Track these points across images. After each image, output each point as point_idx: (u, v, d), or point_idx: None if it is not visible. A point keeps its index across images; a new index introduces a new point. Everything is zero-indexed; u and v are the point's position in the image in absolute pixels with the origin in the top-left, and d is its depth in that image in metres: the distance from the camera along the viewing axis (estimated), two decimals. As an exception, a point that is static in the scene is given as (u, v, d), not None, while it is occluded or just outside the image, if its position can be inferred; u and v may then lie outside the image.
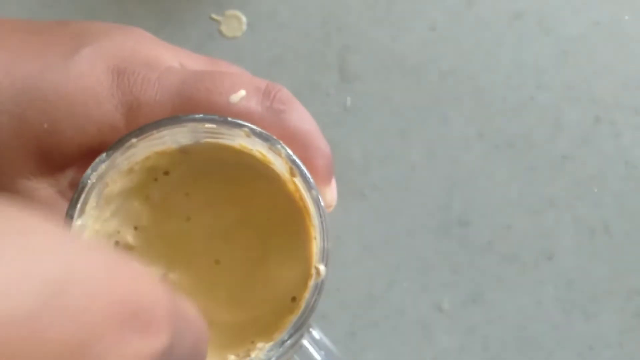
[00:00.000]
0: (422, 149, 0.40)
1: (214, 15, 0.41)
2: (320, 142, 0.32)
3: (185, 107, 0.30)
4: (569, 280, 0.39)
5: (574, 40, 0.41)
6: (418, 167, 0.40)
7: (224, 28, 0.41)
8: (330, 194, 0.33)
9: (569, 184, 0.40)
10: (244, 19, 0.41)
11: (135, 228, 0.32)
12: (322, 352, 0.32)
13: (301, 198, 0.31)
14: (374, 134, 0.40)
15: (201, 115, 0.29)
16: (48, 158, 0.30)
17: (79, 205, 0.29)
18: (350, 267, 0.39)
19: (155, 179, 0.32)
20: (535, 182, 0.40)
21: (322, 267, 0.30)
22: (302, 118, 0.31)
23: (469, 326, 0.39)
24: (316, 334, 0.32)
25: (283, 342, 0.30)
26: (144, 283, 0.19)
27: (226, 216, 0.32)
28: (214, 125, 0.30)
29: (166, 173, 0.32)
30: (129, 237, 0.32)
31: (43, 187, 0.30)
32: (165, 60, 0.32)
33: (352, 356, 0.39)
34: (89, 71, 0.30)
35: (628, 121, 0.40)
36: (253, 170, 0.32)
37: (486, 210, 0.40)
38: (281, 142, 0.30)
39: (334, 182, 0.33)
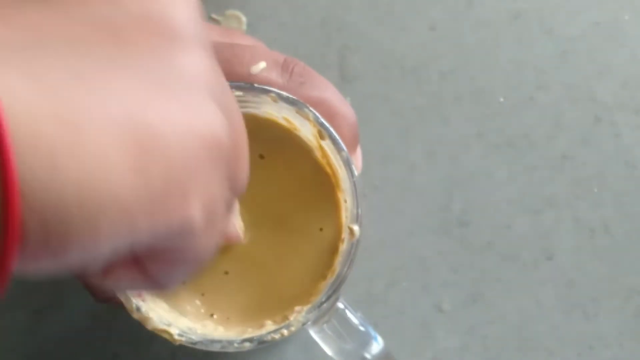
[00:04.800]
0: (422, 149, 0.40)
1: (214, 15, 0.41)
2: (344, 110, 0.32)
3: None
4: (569, 280, 0.39)
5: (574, 40, 0.41)
6: (418, 167, 0.40)
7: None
8: (356, 161, 0.33)
9: (569, 184, 0.40)
10: (244, 19, 0.41)
11: None
12: (359, 314, 0.32)
13: (329, 164, 0.31)
14: (374, 134, 0.40)
15: (228, 83, 0.30)
16: None
17: None
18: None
19: None
20: (535, 182, 0.40)
21: (355, 228, 0.30)
22: (322, 87, 0.31)
23: (469, 326, 0.39)
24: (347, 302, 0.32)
25: (321, 304, 0.30)
26: (214, 118, 0.21)
27: (253, 187, 0.33)
28: (240, 93, 0.30)
29: None
30: None
31: None
32: None
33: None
34: None
35: (628, 121, 0.40)
36: (279, 139, 0.32)
37: (486, 210, 0.40)
38: (308, 105, 0.30)
39: (359, 150, 0.33)
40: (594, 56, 0.41)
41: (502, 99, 0.40)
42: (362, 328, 0.32)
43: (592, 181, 0.40)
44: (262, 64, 0.31)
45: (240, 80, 0.30)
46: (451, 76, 0.40)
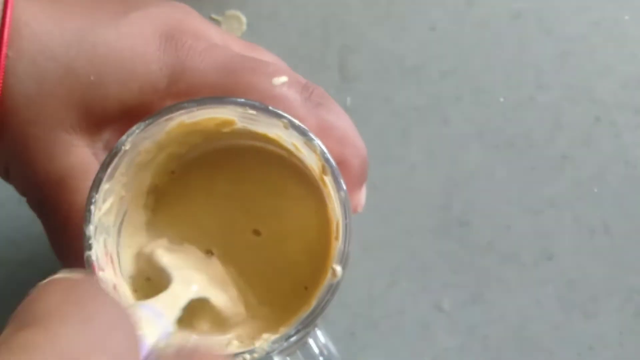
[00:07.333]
0: (422, 149, 0.40)
1: (214, 15, 0.41)
2: (357, 141, 0.32)
3: (227, 80, 0.30)
4: (569, 280, 0.39)
5: (574, 40, 0.41)
6: (418, 167, 0.40)
7: (224, 28, 0.41)
8: (359, 197, 0.33)
9: (569, 184, 0.40)
10: (244, 19, 0.41)
11: (157, 200, 0.32)
12: (325, 352, 0.31)
13: (329, 195, 0.31)
14: (374, 134, 0.40)
15: (243, 100, 0.29)
16: (89, 112, 0.30)
17: (109, 170, 0.29)
18: (350, 267, 0.39)
19: (184, 154, 0.32)
20: (535, 182, 0.40)
21: (338, 269, 0.29)
22: (339, 114, 0.31)
23: (469, 326, 0.39)
24: (321, 335, 0.32)
25: (288, 336, 0.29)
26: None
27: (248, 202, 0.32)
28: (254, 112, 0.29)
29: (196, 147, 0.32)
30: (152, 209, 0.32)
31: (80, 145, 0.31)
32: (211, 35, 0.32)
33: (352, 356, 0.39)
34: (138, 32, 0.31)
35: (628, 121, 0.40)
36: (284, 160, 0.32)
37: (486, 210, 0.40)
38: (318, 138, 0.29)
39: (364, 187, 0.33)
40: (594, 56, 0.41)
41: (502, 99, 0.40)
42: None
43: (592, 181, 0.40)
44: (284, 78, 0.31)
45: (260, 90, 0.30)
46: (451, 76, 0.40)
